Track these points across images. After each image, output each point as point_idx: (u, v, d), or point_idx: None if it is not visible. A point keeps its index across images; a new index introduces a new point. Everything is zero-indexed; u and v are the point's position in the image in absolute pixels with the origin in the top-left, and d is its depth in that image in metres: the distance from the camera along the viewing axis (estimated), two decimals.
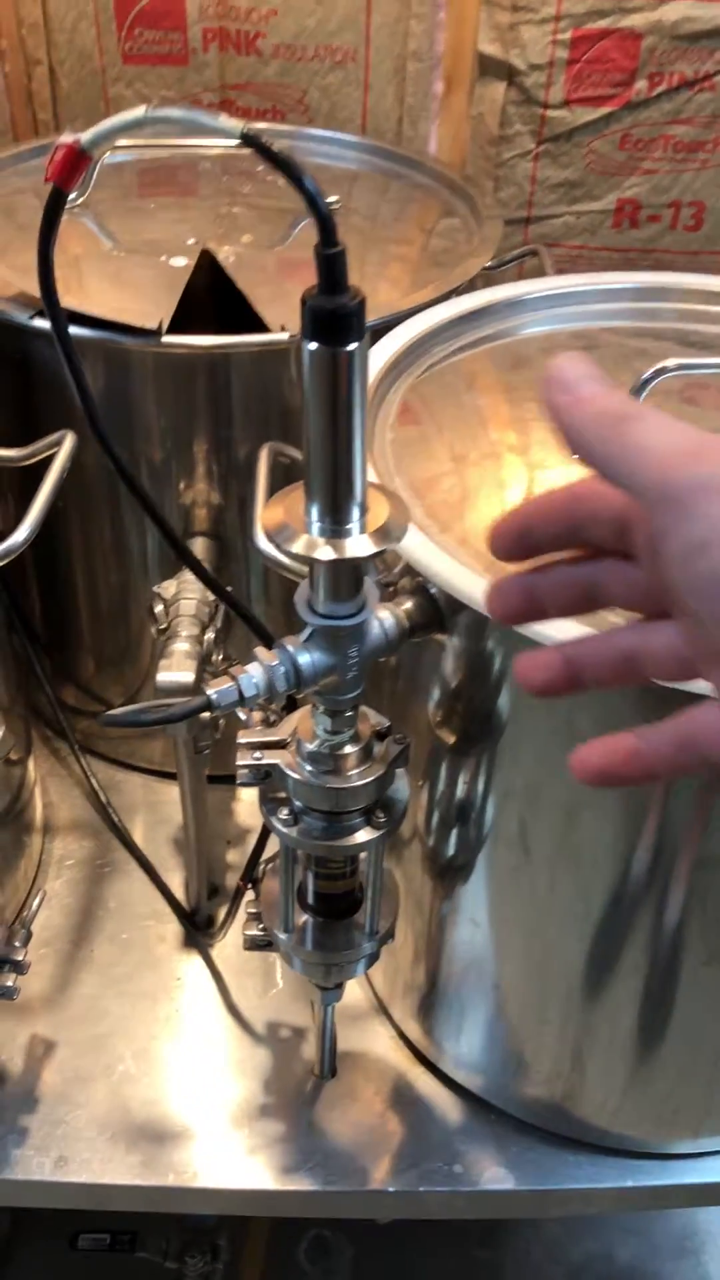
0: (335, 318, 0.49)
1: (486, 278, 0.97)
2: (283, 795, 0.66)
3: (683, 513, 0.35)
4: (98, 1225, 1.01)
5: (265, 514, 0.55)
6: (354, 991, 0.90)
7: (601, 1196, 0.81)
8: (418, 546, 0.62)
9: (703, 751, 0.40)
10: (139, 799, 1.06)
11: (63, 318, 0.53)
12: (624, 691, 0.57)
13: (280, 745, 0.65)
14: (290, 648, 0.58)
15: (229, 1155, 0.81)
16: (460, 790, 0.70)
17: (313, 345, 0.49)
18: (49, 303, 0.54)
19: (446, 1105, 0.84)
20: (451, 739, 0.69)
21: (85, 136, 0.47)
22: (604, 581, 0.45)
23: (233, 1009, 0.89)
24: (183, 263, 0.91)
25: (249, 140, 0.46)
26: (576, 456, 0.41)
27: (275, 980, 0.91)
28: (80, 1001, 0.89)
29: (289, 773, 0.63)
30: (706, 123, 1.19)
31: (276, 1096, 0.84)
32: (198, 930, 0.94)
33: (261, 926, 0.74)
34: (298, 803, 0.65)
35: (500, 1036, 0.81)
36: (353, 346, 0.49)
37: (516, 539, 0.45)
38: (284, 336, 0.82)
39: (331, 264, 0.48)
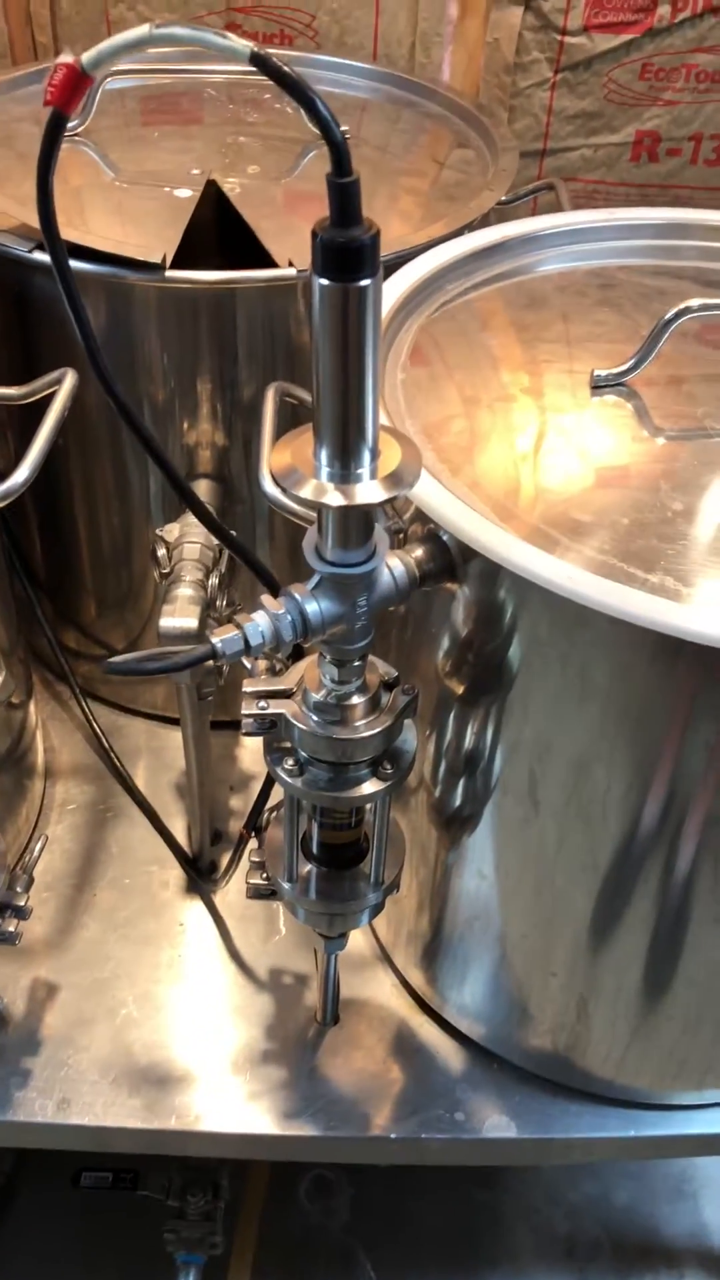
0: (347, 251, 0.46)
1: (499, 213, 0.93)
2: (288, 745, 0.64)
3: None
4: (100, 1164, 1.02)
5: (273, 457, 0.54)
6: (357, 939, 0.90)
7: (603, 1145, 0.81)
8: (429, 492, 0.60)
9: None
10: (141, 744, 1.05)
11: (62, 249, 0.51)
12: (636, 644, 0.56)
13: (286, 695, 0.63)
14: (298, 596, 0.57)
15: (230, 1100, 0.81)
16: (469, 741, 0.69)
17: (324, 281, 0.47)
18: (48, 233, 0.52)
19: (449, 1053, 0.84)
20: (461, 689, 0.68)
21: (86, 56, 0.44)
22: None
23: (235, 955, 0.89)
24: (187, 194, 0.88)
25: (258, 61, 0.44)
26: None
27: (278, 927, 0.91)
28: (82, 946, 0.89)
29: (295, 723, 0.62)
30: None
31: (278, 1042, 0.84)
32: (200, 876, 0.93)
33: (265, 875, 0.73)
34: (303, 753, 0.64)
35: (504, 986, 0.81)
36: (365, 282, 0.47)
37: None
38: (291, 272, 0.80)
39: (344, 194, 0.46)
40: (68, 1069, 0.81)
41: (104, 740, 1.01)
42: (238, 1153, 0.84)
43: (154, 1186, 1.01)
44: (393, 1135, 0.80)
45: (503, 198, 0.96)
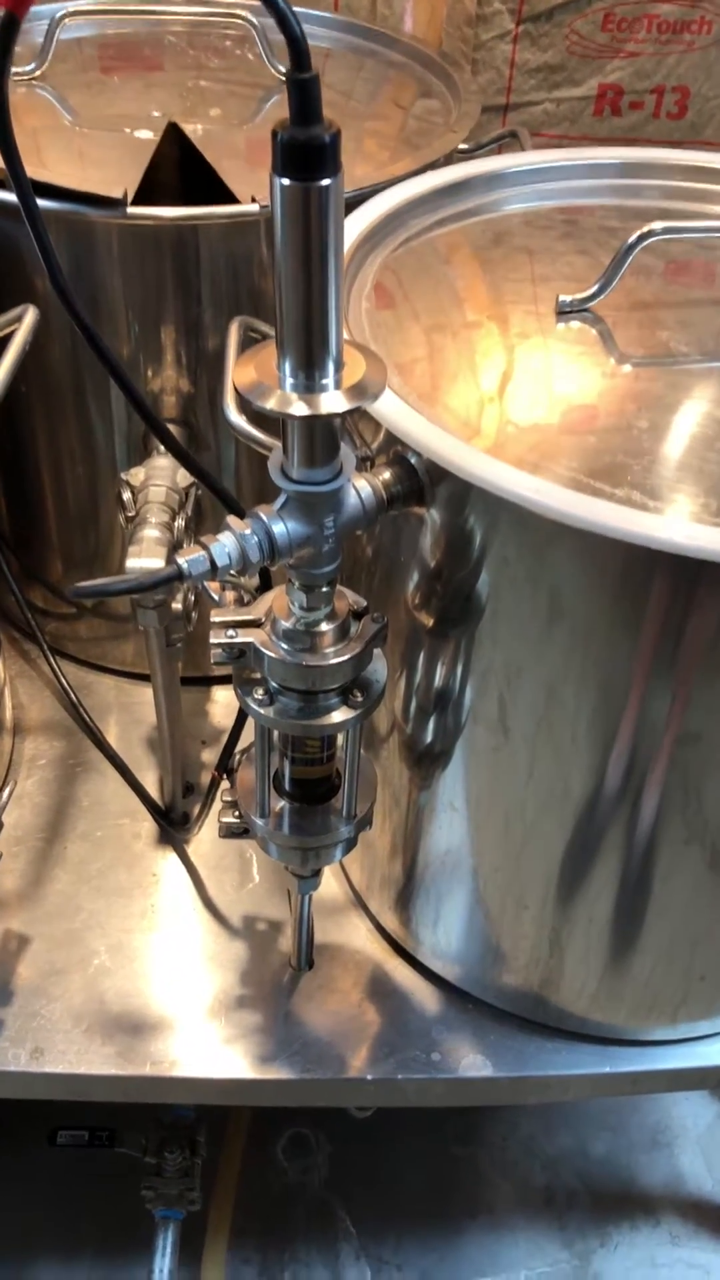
0: (308, 150, 0.46)
1: (464, 161, 0.93)
2: (258, 675, 0.64)
3: None
4: (76, 1122, 1.02)
5: (236, 371, 0.53)
6: (330, 885, 0.90)
7: (579, 1083, 0.82)
8: (396, 410, 0.60)
9: None
10: (111, 700, 1.04)
11: (18, 158, 0.50)
12: (605, 558, 0.56)
13: (255, 624, 0.63)
14: (264, 516, 0.56)
15: (206, 1045, 0.80)
16: (439, 673, 0.69)
17: (284, 181, 0.47)
18: (5, 148, 0.51)
19: (424, 995, 0.84)
20: (430, 620, 0.67)
21: None
22: None
23: (209, 903, 0.89)
24: (148, 136, 0.87)
25: None
26: None
27: (252, 875, 0.90)
28: (54, 897, 0.88)
29: (264, 651, 0.61)
30: (692, 1, 1.14)
31: (253, 988, 0.84)
32: (173, 827, 0.92)
33: (237, 814, 0.73)
34: (273, 682, 0.63)
35: (478, 924, 0.80)
36: (327, 182, 0.47)
37: None
38: (254, 208, 0.79)
39: (304, 90, 0.45)
40: (40, 1019, 0.81)
41: (73, 696, 1.00)
42: (214, 1098, 0.84)
43: (131, 1144, 1.00)
44: (369, 1076, 0.80)
45: (465, 146, 0.96)
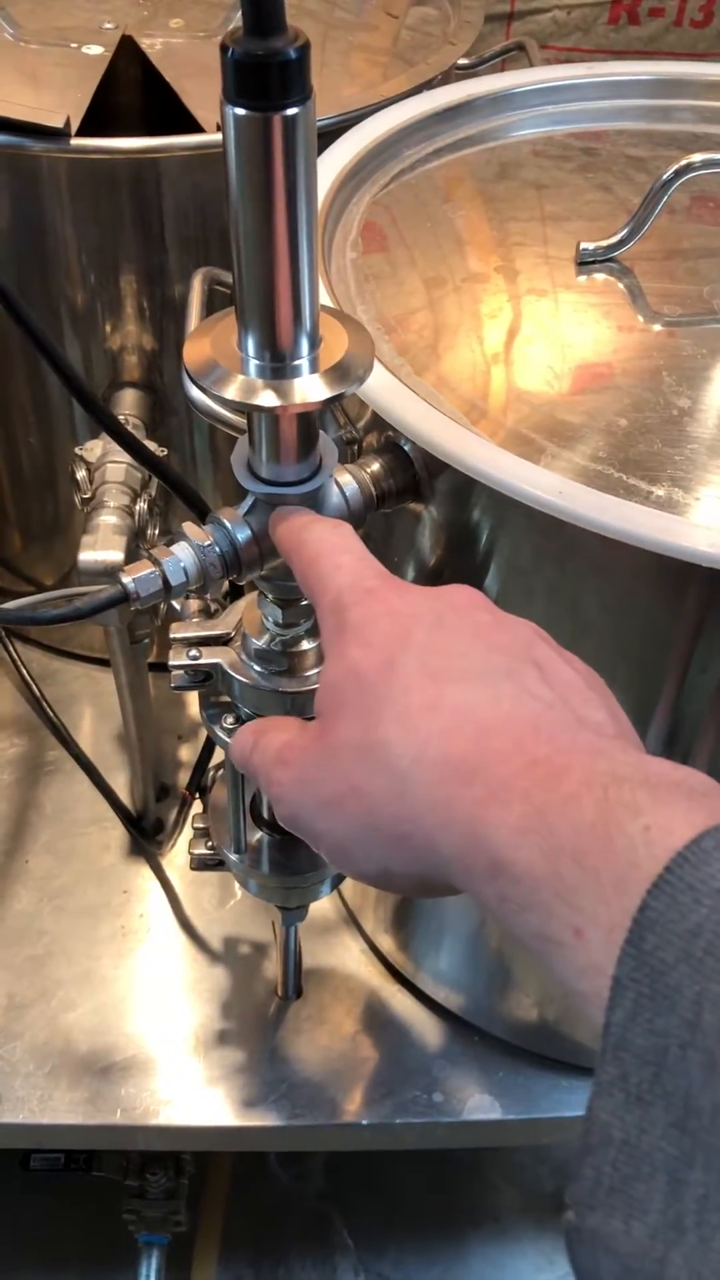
0: (266, 68, 0.35)
1: (464, 79, 0.81)
2: (227, 700, 0.55)
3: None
4: (51, 1144, 0.95)
5: (189, 348, 0.43)
6: (320, 902, 0.81)
7: None
8: (387, 390, 0.49)
9: None
10: (79, 690, 0.95)
11: None
12: (638, 570, 0.46)
13: (222, 641, 0.54)
14: (228, 523, 0.47)
15: (184, 1088, 0.72)
16: None
17: (238, 110, 0.36)
18: None
19: (424, 1027, 0.76)
20: None
21: None
22: None
23: (186, 924, 0.80)
24: (98, 51, 0.75)
25: None
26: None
27: (233, 890, 0.82)
28: (13, 919, 0.79)
29: (233, 674, 0.52)
30: None
31: (236, 1021, 0.75)
32: (145, 837, 0.84)
33: (210, 844, 0.64)
34: (245, 709, 0.54)
35: (485, 953, 0.72)
36: (293, 110, 0.36)
37: None
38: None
39: None
40: None
41: (35, 688, 0.91)
42: (193, 1145, 0.76)
43: (110, 1167, 0.93)
44: (365, 1121, 0.72)
45: (466, 60, 0.84)
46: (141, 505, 0.69)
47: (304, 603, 0.50)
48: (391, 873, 0.37)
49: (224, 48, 0.35)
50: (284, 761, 0.40)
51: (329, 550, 0.42)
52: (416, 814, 0.35)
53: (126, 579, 0.46)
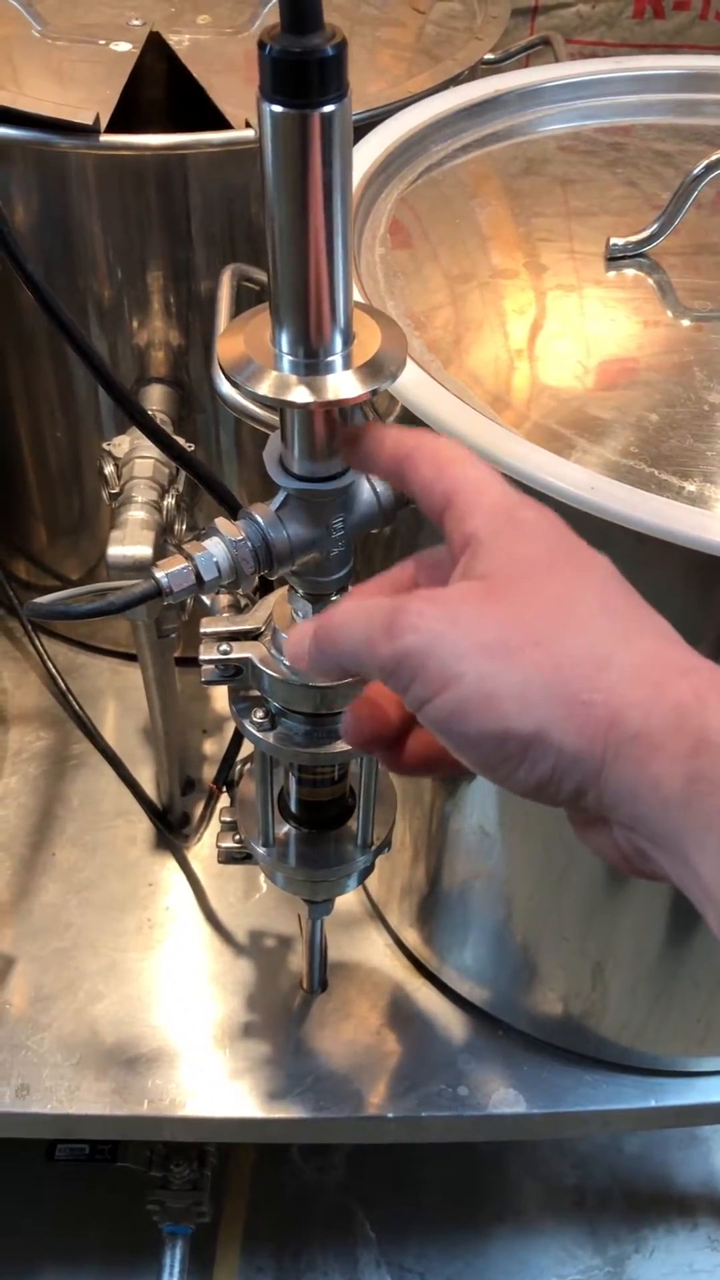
0: (304, 66, 0.35)
1: (490, 75, 0.81)
2: (257, 694, 0.55)
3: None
4: (76, 1134, 0.95)
5: (222, 344, 0.43)
6: (345, 895, 0.81)
7: (620, 1118, 0.74)
8: (418, 386, 0.50)
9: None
10: (105, 684, 0.95)
11: None
12: (672, 567, 0.46)
13: (252, 636, 0.54)
14: (260, 519, 0.47)
15: (210, 1080, 0.73)
16: None
17: (275, 108, 0.36)
18: None
19: (449, 1020, 0.76)
20: None
21: None
22: None
23: (211, 917, 0.81)
24: (126, 48, 0.76)
25: None
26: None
27: (258, 884, 0.82)
28: (41, 912, 0.80)
29: (263, 669, 0.52)
30: None
31: (261, 1014, 0.76)
32: (171, 831, 0.84)
33: (237, 837, 0.64)
34: (275, 704, 0.54)
35: (510, 948, 0.72)
36: (331, 108, 0.36)
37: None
38: (250, 134, 0.68)
39: None
40: (26, 1051, 0.73)
41: (61, 681, 0.91)
42: (219, 1137, 0.77)
43: (135, 1157, 0.94)
44: (389, 1115, 0.72)
45: (492, 55, 0.84)
46: (169, 500, 0.70)
47: (333, 597, 0.51)
48: (543, 737, 0.34)
49: (261, 45, 0.36)
50: (432, 598, 0.37)
51: (467, 454, 0.41)
52: (612, 686, 0.34)
53: (159, 573, 0.46)
